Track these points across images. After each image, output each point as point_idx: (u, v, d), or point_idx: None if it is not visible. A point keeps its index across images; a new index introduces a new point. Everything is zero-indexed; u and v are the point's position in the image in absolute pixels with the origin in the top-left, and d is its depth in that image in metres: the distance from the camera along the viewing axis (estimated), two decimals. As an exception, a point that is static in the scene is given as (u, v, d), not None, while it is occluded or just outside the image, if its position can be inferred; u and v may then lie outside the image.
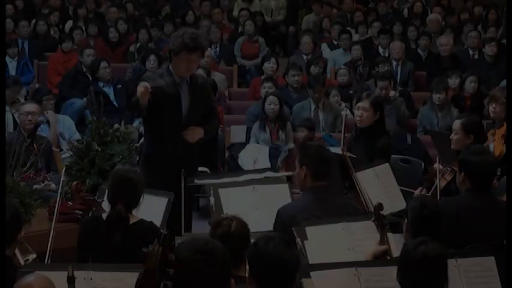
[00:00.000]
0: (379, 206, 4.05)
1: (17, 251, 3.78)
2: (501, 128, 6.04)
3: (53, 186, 6.16)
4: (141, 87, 5.19)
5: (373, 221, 4.12)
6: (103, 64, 9.39)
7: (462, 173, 4.50)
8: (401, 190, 5.49)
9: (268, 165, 7.60)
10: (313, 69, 9.80)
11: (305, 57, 10.77)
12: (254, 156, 8.00)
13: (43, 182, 5.97)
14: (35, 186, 5.64)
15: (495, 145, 5.90)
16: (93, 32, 11.43)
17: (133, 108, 5.39)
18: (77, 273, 3.34)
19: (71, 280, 3.14)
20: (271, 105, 8.19)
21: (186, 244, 2.83)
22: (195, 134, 5.51)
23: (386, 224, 4.04)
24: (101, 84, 9.33)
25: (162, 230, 2.93)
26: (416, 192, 5.47)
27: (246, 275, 3.28)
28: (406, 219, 3.93)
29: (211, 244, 2.83)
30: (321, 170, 4.43)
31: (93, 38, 11.36)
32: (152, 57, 9.74)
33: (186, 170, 5.38)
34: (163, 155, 5.44)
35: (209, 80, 7.28)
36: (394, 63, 10.29)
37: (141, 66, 10.06)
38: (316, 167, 4.43)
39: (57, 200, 4.64)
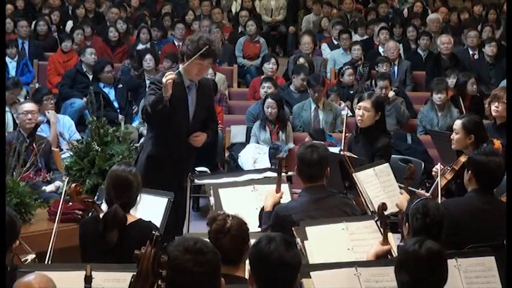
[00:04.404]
0: (383, 206, 4.04)
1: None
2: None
3: (59, 183, 6.19)
4: (170, 75, 5.20)
5: (376, 221, 4.11)
6: (107, 68, 9.32)
7: (469, 172, 4.50)
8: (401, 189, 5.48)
9: (268, 165, 7.59)
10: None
11: (305, 57, 10.76)
12: (254, 156, 7.99)
13: (43, 182, 5.98)
14: (44, 188, 5.81)
15: None
16: (93, 32, 11.41)
17: (157, 103, 5.28)
18: (76, 273, 3.35)
19: (88, 279, 3.13)
20: (269, 108, 8.21)
21: (176, 244, 2.83)
22: (202, 139, 5.61)
23: (388, 224, 4.04)
24: (101, 84, 9.30)
25: (154, 232, 2.90)
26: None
27: (246, 276, 3.28)
28: (407, 224, 3.89)
29: (201, 243, 2.82)
30: (303, 171, 4.40)
31: (93, 38, 11.34)
32: (148, 56, 9.74)
33: (187, 173, 5.65)
34: (168, 158, 5.51)
35: (210, 80, 7.35)
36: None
37: (128, 67, 10.07)
38: (300, 168, 4.42)
39: (61, 201, 4.63)
